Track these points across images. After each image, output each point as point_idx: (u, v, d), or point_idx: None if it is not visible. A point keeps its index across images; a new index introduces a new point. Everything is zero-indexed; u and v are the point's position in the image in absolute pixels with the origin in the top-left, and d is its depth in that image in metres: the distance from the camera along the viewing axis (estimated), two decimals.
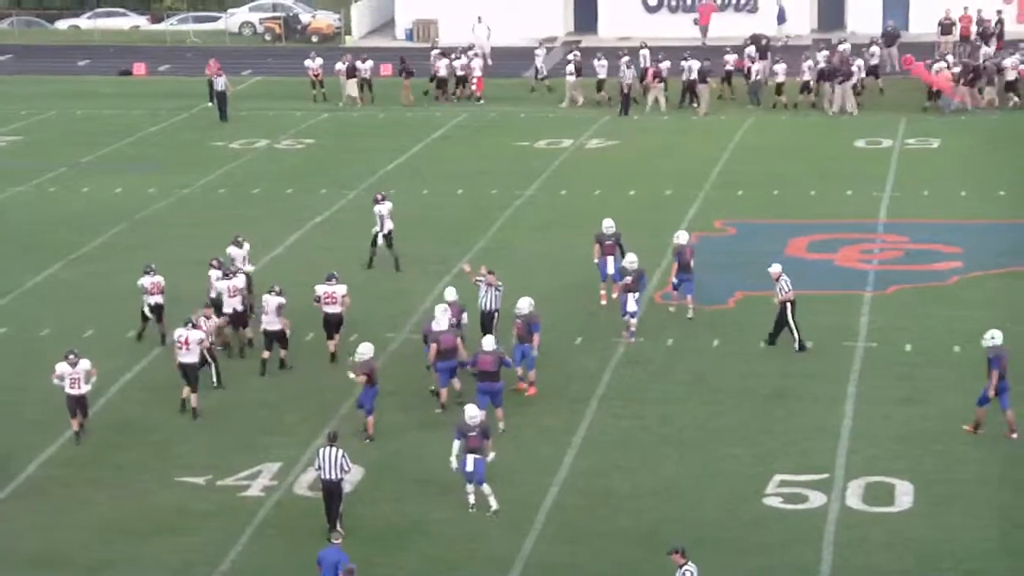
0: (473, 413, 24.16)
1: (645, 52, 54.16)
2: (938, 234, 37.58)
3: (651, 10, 66.06)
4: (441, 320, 28.11)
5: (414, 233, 38.55)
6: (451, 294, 29.64)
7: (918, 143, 47.54)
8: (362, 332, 31.68)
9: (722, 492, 24.49)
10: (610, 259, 32.79)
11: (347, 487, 24.36)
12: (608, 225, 33.12)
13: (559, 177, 44.19)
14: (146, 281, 31.30)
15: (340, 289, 30.33)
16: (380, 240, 35.70)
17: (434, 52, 56.66)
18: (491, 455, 24.22)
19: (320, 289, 30.41)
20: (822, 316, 31.99)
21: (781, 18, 63.87)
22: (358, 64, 55.73)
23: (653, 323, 31.78)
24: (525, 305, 28.78)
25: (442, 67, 55.62)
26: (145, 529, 23.87)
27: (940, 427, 26.59)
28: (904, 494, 24.15)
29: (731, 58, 54.32)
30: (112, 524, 24.05)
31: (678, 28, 63.19)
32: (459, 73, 55.77)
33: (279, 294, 29.97)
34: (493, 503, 24.03)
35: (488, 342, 27.20)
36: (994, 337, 26.42)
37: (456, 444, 24.02)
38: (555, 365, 29.83)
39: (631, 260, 31.24)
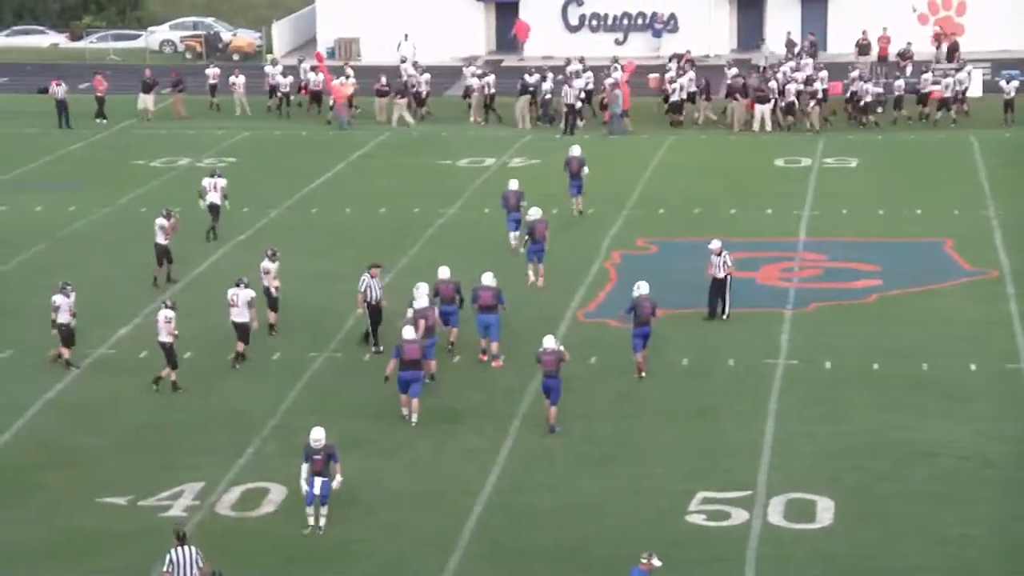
0: (317, 436, 23.80)
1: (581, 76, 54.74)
2: (857, 252, 37.98)
3: (572, 30, 66.32)
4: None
5: (336, 251, 38.57)
6: (445, 272, 31.54)
7: (836, 162, 48.00)
8: (284, 351, 31.67)
9: (646, 510, 24.61)
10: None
11: (269, 507, 24.36)
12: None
13: (482, 196, 44.23)
14: None
15: (245, 294, 31.00)
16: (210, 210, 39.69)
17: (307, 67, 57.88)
18: (338, 479, 23.91)
19: (229, 293, 31.11)
20: (743, 333, 32.26)
21: (658, 32, 64.74)
22: (279, 79, 56.36)
23: (576, 341, 31.88)
24: (490, 278, 30.84)
25: (286, 83, 56.40)
26: (66, 551, 23.67)
27: (860, 443, 26.85)
28: (825, 510, 24.35)
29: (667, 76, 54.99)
30: (33, 546, 23.83)
31: (600, 47, 63.43)
32: (313, 88, 56.33)
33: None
34: (319, 521, 23.84)
35: (410, 331, 28.08)
36: (639, 288, 30.17)
37: (304, 467, 23.80)
38: (478, 383, 29.96)
39: (532, 214, 35.72)
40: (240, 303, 30.67)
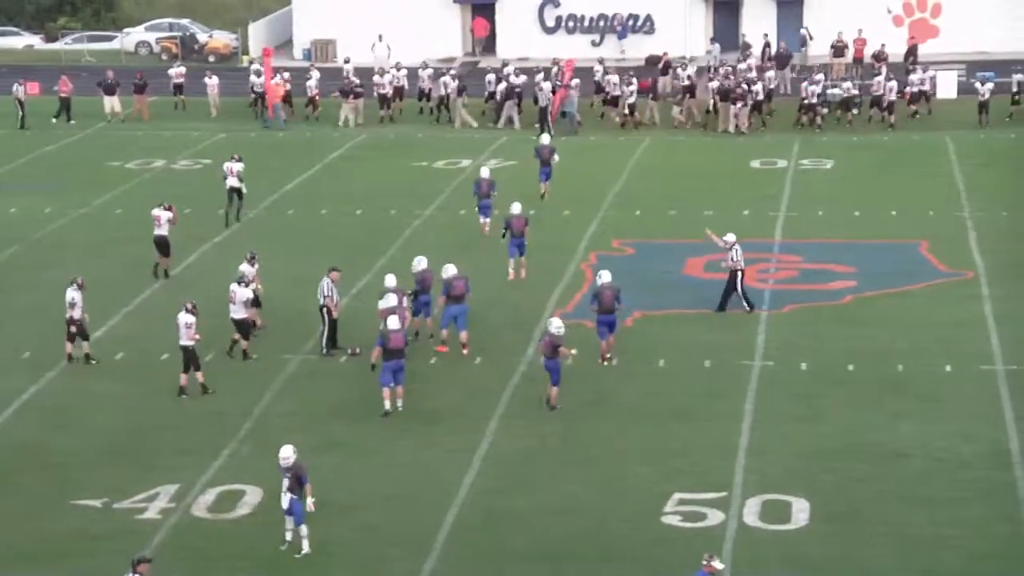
0: (285, 454, 23.19)
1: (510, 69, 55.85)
2: (832, 254, 38.07)
3: (549, 31, 66.41)
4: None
5: (313, 252, 38.50)
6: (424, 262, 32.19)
7: (812, 164, 48.12)
8: (260, 352, 31.61)
9: (623, 510, 24.62)
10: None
11: (245, 509, 24.32)
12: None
13: (458, 197, 44.22)
14: None
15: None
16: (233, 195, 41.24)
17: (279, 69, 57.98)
18: (309, 501, 23.22)
19: (230, 288, 31.31)
20: (719, 335, 32.32)
21: (622, 33, 65.12)
22: (252, 79, 56.55)
23: None
24: (454, 268, 31.53)
25: (259, 83, 56.38)
26: (41, 553, 23.60)
27: (836, 445, 26.90)
28: (800, 512, 24.39)
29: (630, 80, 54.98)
30: (7, 549, 23.74)
31: (576, 49, 63.49)
32: (257, 90, 56.26)
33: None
34: (305, 546, 23.20)
35: (395, 321, 28.38)
36: (601, 276, 30.76)
37: (284, 482, 23.39)
38: (456, 384, 29.96)
39: (513, 209, 35.81)
40: (237, 301, 30.92)
